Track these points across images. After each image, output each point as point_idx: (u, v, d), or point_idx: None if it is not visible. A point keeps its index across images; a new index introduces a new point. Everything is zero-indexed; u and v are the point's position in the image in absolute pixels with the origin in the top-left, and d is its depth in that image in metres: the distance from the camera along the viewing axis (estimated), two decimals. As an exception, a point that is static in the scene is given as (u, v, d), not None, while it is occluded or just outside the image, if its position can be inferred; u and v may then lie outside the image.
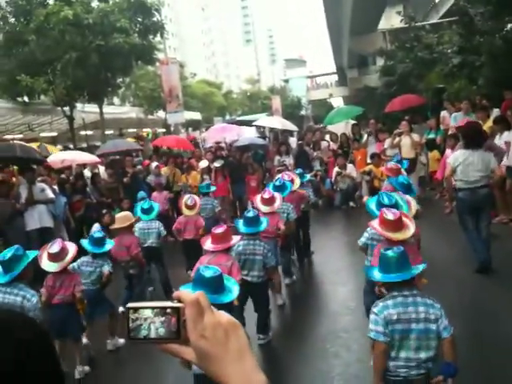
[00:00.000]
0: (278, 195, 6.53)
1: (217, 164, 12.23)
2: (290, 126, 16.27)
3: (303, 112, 50.50)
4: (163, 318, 0.88)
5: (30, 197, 8.71)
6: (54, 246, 5.00)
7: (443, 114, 12.59)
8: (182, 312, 0.87)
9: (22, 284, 4.44)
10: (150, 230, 7.18)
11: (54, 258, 4.98)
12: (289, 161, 12.90)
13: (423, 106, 14.86)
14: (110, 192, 10.74)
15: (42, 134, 20.00)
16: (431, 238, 7.36)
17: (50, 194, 9.05)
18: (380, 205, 4.76)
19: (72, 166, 11.18)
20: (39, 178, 9.33)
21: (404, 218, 4.19)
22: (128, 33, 15.52)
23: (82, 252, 5.76)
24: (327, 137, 15.03)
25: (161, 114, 24.56)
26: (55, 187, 9.81)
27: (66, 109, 16.73)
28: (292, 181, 7.42)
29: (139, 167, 12.23)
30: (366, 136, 13.21)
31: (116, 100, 31.61)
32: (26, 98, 16.44)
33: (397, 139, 11.02)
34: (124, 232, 6.62)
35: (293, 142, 14.75)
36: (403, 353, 3.06)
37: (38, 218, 8.72)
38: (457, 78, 14.53)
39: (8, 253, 4.46)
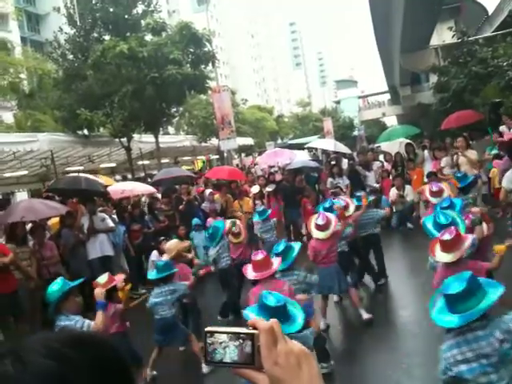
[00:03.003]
0: (333, 218, 6.38)
1: (269, 188, 12.27)
2: (342, 148, 16.16)
3: (356, 132, 50.06)
4: (238, 344, 0.91)
5: (92, 227, 9.02)
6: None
7: (502, 128, 12.16)
8: (257, 338, 0.90)
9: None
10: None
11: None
12: (343, 182, 12.78)
13: (480, 121, 14.42)
14: (167, 219, 10.98)
15: (102, 165, 20.72)
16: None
17: (111, 224, 9.35)
18: (437, 224, 4.67)
19: (130, 197, 11.54)
20: (100, 208, 9.65)
21: (463, 238, 4.10)
22: (181, 64, 15.94)
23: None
24: (381, 157, 14.80)
25: (214, 141, 24.96)
26: (114, 216, 10.12)
27: (124, 140, 17.28)
28: (346, 205, 7.26)
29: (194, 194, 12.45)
30: (421, 153, 12.93)
31: (171, 129, 32.44)
32: (85, 131, 17.12)
33: (455, 157, 10.70)
34: (177, 261, 6.56)
35: (346, 163, 14.64)
36: None
37: (99, 247, 9.00)
38: (514, 91, 14.07)
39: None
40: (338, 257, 6.48)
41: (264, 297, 3.45)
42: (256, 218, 9.29)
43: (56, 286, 4.31)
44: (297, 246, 5.50)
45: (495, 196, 10.86)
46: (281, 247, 5.33)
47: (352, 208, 7.33)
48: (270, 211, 9.43)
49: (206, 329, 0.94)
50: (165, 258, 6.66)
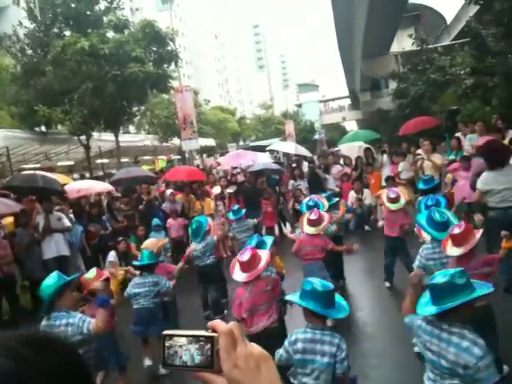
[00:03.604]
0: (326, 215, 6.37)
1: (230, 190, 12.26)
2: (303, 151, 16.33)
3: (317, 136, 50.60)
4: (197, 347, 0.91)
5: (48, 226, 8.81)
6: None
7: (457, 135, 12.51)
8: (216, 342, 0.90)
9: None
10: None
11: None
12: (304, 185, 12.90)
13: (437, 127, 14.80)
14: (126, 219, 10.82)
15: (59, 163, 20.28)
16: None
17: (67, 223, 9.15)
18: (431, 221, 4.80)
19: (90, 195, 11.33)
20: (56, 207, 9.43)
21: (472, 233, 4.20)
22: (143, 62, 15.76)
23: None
24: (341, 160, 15.00)
25: (175, 141, 24.78)
26: (71, 216, 9.92)
27: (83, 138, 16.96)
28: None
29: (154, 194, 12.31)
30: (380, 157, 13.17)
31: (132, 128, 32.02)
32: (43, 128, 16.72)
33: (418, 162, 10.94)
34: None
35: (306, 166, 14.77)
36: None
37: (55, 247, 8.79)
38: (470, 99, 14.50)
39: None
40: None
41: (312, 282, 3.38)
42: (230, 217, 9.04)
43: (51, 281, 3.92)
44: (269, 240, 5.48)
45: (450, 200, 11.17)
46: (254, 242, 5.30)
47: (326, 205, 7.28)
48: (244, 211, 9.17)
49: (165, 332, 0.94)
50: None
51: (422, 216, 5.06)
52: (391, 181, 9.99)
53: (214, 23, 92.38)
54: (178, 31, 20.33)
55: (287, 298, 3.60)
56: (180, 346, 0.92)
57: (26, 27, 17.08)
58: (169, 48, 17.03)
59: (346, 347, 3.35)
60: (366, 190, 12.37)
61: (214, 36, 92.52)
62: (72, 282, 4.12)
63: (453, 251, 4.16)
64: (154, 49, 16.72)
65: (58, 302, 3.90)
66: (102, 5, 17.47)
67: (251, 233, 8.37)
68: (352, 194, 12.31)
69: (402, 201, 7.35)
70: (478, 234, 4.19)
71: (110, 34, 17.03)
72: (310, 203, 7.06)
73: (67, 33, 16.86)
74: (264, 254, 4.74)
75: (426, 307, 2.99)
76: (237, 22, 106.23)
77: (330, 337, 3.35)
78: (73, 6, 16.75)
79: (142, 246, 6.78)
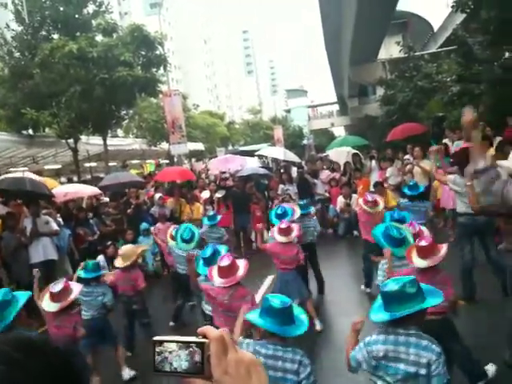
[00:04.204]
0: (295, 226, 6.49)
1: (219, 194, 12.26)
2: (292, 156, 16.37)
3: (305, 141, 50.81)
4: (187, 353, 0.90)
5: (35, 229, 8.74)
6: (57, 286, 4.82)
7: (445, 142, 12.65)
8: (207, 348, 0.90)
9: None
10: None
11: (55, 297, 4.77)
12: (293, 189, 12.95)
13: (424, 134, 14.94)
14: (114, 223, 10.77)
15: (46, 167, 20.14)
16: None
17: (55, 227, 9.08)
18: (388, 236, 4.88)
19: (79, 199, 11.28)
20: (44, 211, 9.36)
21: (439, 247, 4.26)
22: (132, 66, 15.75)
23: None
24: (325, 166, 15.06)
25: (164, 145, 24.74)
26: (59, 219, 9.85)
27: (71, 141, 16.87)
28: (293, 211, 7.36)
29: (143, 198, 12.27)
30: (368, 163, 13.26)
31: (120, 132, 31.91)
32: (30, 131, 16.61)
33: (408, 166, 11.02)
34: (130, 266, 6.38)
35: (295, 171, 14.83)
36: None
37: (42, 251, 8.72)
38: (457, 106, 14.64)
39: None
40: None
41: (269, 299, 3.33)
42: (205, 222, 8.87)
43: (10, 307, 3.92)
44: (223, 249, 5.49)
45: (436, 206, 11.27)
46: (208, 252, 5.29)
47: (297, 214, 7.40)
48: (219, 217, 9.11)
49: (155, 338, 0.93)
50: (119, 263, 6.43)
51: (379, 229, 5.13)
52: (380, 186, 10.06)
53: (203, 28, 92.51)
54: (167, 35, 20.38)
55: (247, 317, 3.51)
56: (170, 352, 0.91)
57: (13, 30, 16.98)
58: (157, 52, 17.04)
59: (310, 362, 3.27)
60: (354, 196, 12.43)
61: (203, 41, 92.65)
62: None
63: (419, 262, 4.19)
64: (143, 53, 16.72)
65: (17, 322, 3.94)
66: (91, 8, 17.45)
67: (220, 242, 8.05)
68: (340, 199, 12.37)
69: (381, 206, 7.45)
70: (444, 249, 4.24)
71: (99, 38, 17.00)
72: (279, 211, 7.16)
73: (55, 36, 16.81)
74: (242, 263, 4.79)
75: (379, 313, 3.04)
76: (226, 26, 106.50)
77: (292, 353, 3.25)
78: (61, 9, 16.72)
79: (120, 252, 6.56)
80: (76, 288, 4.98)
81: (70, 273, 9.01)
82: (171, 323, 7.26)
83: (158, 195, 11.94)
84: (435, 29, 39.76)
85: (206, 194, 12.40)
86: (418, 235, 5.00)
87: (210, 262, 5.12)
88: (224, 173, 15.08)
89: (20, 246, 8.61)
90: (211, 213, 8.99)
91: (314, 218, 8.27)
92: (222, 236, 8.56)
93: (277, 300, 3.30)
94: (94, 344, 5.46)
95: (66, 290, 4.82)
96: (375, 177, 12.18)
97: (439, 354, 2.88)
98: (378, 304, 3.12)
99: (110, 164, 20.15)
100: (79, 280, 5.66)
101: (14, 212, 8.91)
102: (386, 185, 10.93)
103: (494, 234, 6.92)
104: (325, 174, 13.81)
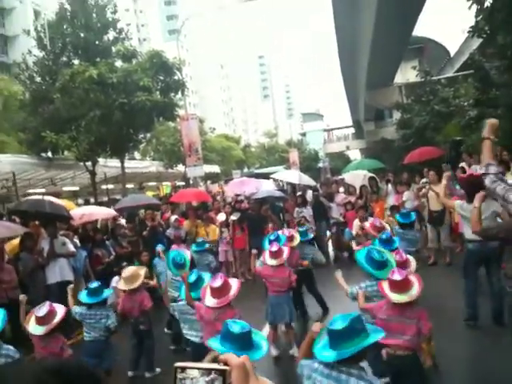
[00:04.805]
0: (285, 248, 6.61)
1: (234, 217, 12.27)
2: (307, 180, 16.33)
3: (320, 164, 50.79)
4: (209, 380, 0.91)
5: (52, 250, 8.81)
6: (42, 310, 4.96)
7: (462, 165, 12.55)
8: (228, 375, 0.90)
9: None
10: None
11: (41, 321, 4.93)
12: (307, 212, 12.91)
13: (441, 158, 14.85)
14: (130, 245, 10.82)
15: (65, 188, 20.39)
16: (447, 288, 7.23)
17: (72, 248, 9.15)
18: (370, 259, 4.94)
19: (96, 221, 11.38)
20: (61, 232, 9.45)
21: (411, 277, 4.26)
22: (150, 91, 15.98)
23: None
24: (342, 189, 15.01)
25: (180, 167, 24.91)
26: (76, 241, 9.92)
27: (89, 164, 17.10)
28: (291, 237, 7.46)
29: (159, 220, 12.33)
30: (385, 186, 13.20)
31: (137, 154, 32.25)
32: (49, 154, 16.87)
33: (423, 190, 10.94)
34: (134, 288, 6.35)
35: (310, 194, 14.80)
36: None
37: (58, 272, 8.77)
38: (474, 130, 14.58)
39: None
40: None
41: (228, 324, 3.38)
42: (193, 248, 8.58)
43: None
44: (206, 276, 5.48)
45: (454, 230, 11.15)
46: (192, 277, 5.28)
47: (297, 241, 7.52)
48: (207, 245, 8.94)
49: (177, 364, 0.94)
50: (122, 285, 6.44)
51: (362, 252, 5.18)
52: (396, 210, 10.00)
53: (219, 53, 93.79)
54: (185, 61, 20.68)
55: (208, 343, 3.53)
56: (192, 379, 0.92)
57: (35, 55, 17.44)
58: (175, 77, 17.28)
59: None
60: (370, 219, 12.33)
61: (219, 66, 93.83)
62: None
63: (397, 298, 4.12)
64: (161, 78, 16.97)
65: None
66: (111, 35, 17.83)
67: (208, 268, 8.05)
68: (356, 223, 12.28)
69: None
70: (417, 285, 4.19)
71: (119, 64, 17.33)
72: (272, 237, 7.24)
73: (76, 61, 17.19)
74: (234, 283, 4.89)
75: (324, 351, 3.00)
76: (242, 52, 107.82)
77: None
78: (82, 35, 17.12)
79: (123, 275, 6.49)
80: (60, 311, 5.06)
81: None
82: (171, 347, 7.20)
83: (173, 217, 11.99)
84: (451, 54, 39.86)
85: (221, 217, 12.42)
86: (403, 264, 5.01)
87: (192, 288, 5.14)
88: (239, 195, 15.13)
89: (37, 266, 8.68)
90: (200, 239, 9.06)
91: (313, 247, 8.44)
92: (211, 262, 8.60)
93: (236, 326, 3.34)
94: (91, 366, 5.42)
95: (51, 314, 4.95)
96: (391, 200, 12.11)
97: None
98: (323, 342, 3.07)
99: (127, 186, 20.33)
100: (81, 303, 5.74)
101: (32, 233, 8.99)
102: (402, 209, 10.87)
103: (500, 261, 6.85)
104: (340, 197, 13.75)
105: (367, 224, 7.66)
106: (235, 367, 0.89)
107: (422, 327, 4.06)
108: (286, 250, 6.52)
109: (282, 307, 6.41)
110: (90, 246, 10.18)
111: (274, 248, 6.42)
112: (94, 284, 5.88)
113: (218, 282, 4.73)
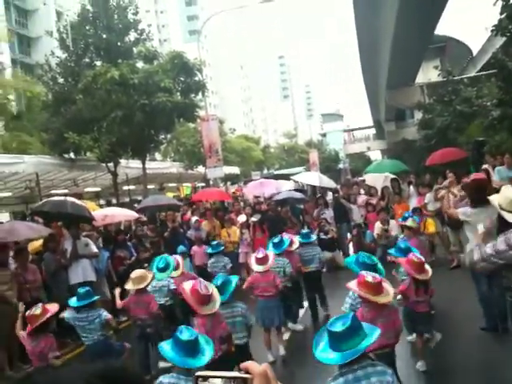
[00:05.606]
0: (270, 254, 6.73)
1: (254, 218, 12.28)
2: (327, 182, 16.23)
3: (341, 165, 50.61)
4: None
5: (75, 251, 8.91)
6: (37, 309, 5.14)
7: (485, 167, 12.35)
8: (250, 383, 0.90)
9: None
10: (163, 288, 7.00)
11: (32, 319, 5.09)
12: (329, 214, 12.86)
13: (464, 159, 14.64)
14: (152, 246, 10.91)
15: (87, 189, 20.62)
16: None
17: (94, 249, 9.23)
18: (360, 263, 4.99)
19: (120, 222, 11.52)
20: (84, 233, 9.55)
21: (384, 283, 4.37)
22: (171, 92, 16.08)
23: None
24: (362, 191, 14.89)
25: (200, 168, 25.02)
26: (99, 242, 10.03)
27: (110, 165, 17.26)
28: (291, 242, 7.62)
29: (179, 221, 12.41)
30: (407, 188, 13.07)
31: (158, 155, 32.48)
32: (72, 155, 17.08)
33: (442, 192, 10.81)
34: (141, 289, 6.35)
35: (331, 195, 14.74)
36: None
37: (81, 273, 8.86)
38: (498, 130, 14.37)
39: None
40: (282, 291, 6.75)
41: (179, 331, 3.54)
42: (208, 251, 8.95)
43: None
44: (234, 279, 5.55)
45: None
46: (219, 281, 5.32)
47: (296, 245, 7.74)
48: (222, 248, 8.99)
49: (198, 373, 0.94)
50: (129, 286, 6.47)
51: (351, 258, 5.34)
52: (418, 212, 9.90)
53: (239, 54, 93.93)
54: (205, 62, 20.76)
55: (160, 345, 3.63)
56: None
57: (58, 57, 17.68)
58: (196, 78, 17.37)
59: None
60: (392, 221, 12.22)
61: (239, 66, 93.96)
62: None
63: (378, 298, 4.22)
64: (182, 79, 17.07)
65: None
66: (132, 36, 17.99)
67: (225, 270, 8.29)
68: (378, 225, 12.17)
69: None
70: (390, 289, 4.38)
71: (140, 65, 17.49)
72: (275, 240, 7.39)
73: (98, 63, 17.38)
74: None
75: (326, 353, 3.00)
76: (262, 52, 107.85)
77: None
78: (104, 36, 17.31)
79: (132, 276, 6.45)
80: (52, 309, 5.26)
81: (108, 295, 9.13)
82: None
83: (194, 218, 12.06)
84: (474, 52, 39.29)
85: (242, 218, 12.45)
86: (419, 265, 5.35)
87: (220, 291, 5.17)
88: (258, 197, 15.13)
89: (60, 267, 8.79)
90: (215, 242, 9.17)
91: (319, 248, 8.44)
92: (226, 264, 8.71)
93: (185, 332, 3.49)
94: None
95: (44, 313, 5.14)
96: (414, 202, 11.98)
97: (392, 373, 3.06)
98: (322, 344, 3.08)
99: (149, 187, 20.47)
100: (70, 308, 5.83)
101: (55, 234, 9.11)
102: (425, 211, 10.76)
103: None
104: (361, 199, 13.66)
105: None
106: (257, 375, 0.89)
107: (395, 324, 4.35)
108: (271, 258, 6.61)
109: (271, 311, 6.50)
110: (111, 247, 10.28)
111: (260, 255, 6.52)
112: (83, 290, 5.91)
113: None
